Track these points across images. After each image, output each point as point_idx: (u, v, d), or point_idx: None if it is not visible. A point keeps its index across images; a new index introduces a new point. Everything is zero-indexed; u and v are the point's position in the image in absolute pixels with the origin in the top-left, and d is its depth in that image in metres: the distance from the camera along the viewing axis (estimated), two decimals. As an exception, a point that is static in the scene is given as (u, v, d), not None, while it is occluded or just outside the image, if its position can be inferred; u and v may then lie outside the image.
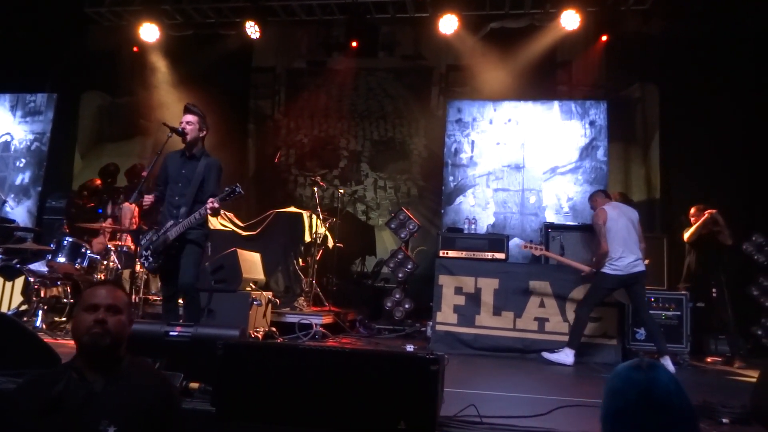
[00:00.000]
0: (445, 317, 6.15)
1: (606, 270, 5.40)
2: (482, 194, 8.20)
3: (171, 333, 3.33)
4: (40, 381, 2.01)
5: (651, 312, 5.79)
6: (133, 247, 6.33)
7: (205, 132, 4.66)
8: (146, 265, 4.72)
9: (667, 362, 5.15)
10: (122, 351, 2.12)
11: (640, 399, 1.42)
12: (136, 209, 6.24)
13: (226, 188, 4.41)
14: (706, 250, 6.37)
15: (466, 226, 7.19)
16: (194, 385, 3.06)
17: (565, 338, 5.65)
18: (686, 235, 6.49)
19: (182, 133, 4.60)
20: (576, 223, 7.10)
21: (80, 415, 1.93)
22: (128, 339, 2.14)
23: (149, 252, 4.54)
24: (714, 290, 6.18)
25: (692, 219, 6.47)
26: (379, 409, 2.61)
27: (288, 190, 10.30)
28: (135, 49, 9.93)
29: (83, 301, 2.11)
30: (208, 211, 4.36)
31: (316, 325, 6.28)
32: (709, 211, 6.27)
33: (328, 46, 10.23)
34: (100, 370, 2.03)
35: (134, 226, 6.53)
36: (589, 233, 6.21)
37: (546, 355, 5.51)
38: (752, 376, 4.72)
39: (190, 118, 4.60)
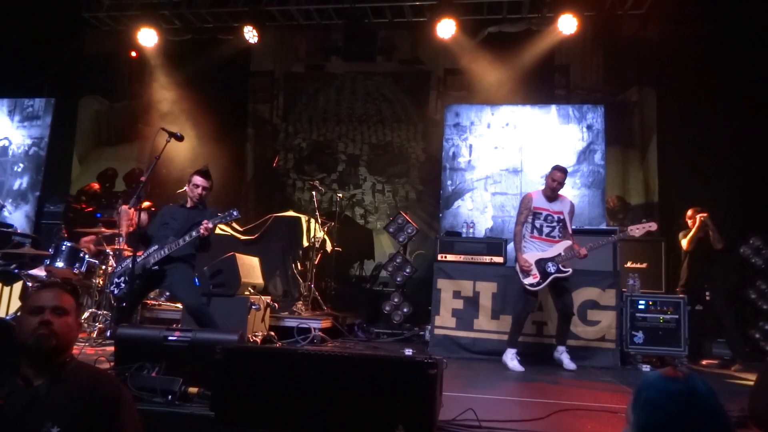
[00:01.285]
0: (444, 321, 6.14)
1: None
2: (480, 198, 8.21)
3: (170, 338, 3.34)
4: None
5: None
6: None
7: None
8: (116, 292, 4.58)
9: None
10: (68, 355, 2.07)
11: (681, 411, 1.37)
12: (134, 213, 6.24)
13: (219, 213, 4.35)
14: (698, 253, 6.39)
15: (464, 230, 7.17)
16: (193, 389, 3.07)
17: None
18: (684, 243, 6.50)
19: (181, 138, 4.58)
20: (574, 227, 7.08)
21: (23, 419, 1.90)
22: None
23: (122, 279, 4.43)
24: (707, 294, 6.19)
25: (689, 221, 6.48)
26: (377, 414, 2.61)
27: (286, 195, 10.30)
28: (133, 53, 9.95)
29: (27, 305, 2.06)
30: (202, 232, 4.23)
31: (314, 329, 6.28)
32: (700, 216, 6.30)
33: (327, 51, 10.26)
34: (45, 374, 1.99)
35: (132, 229, 6.53)
36: (584, 235, 6.19)
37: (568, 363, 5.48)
38: (750, 379, 4.72)
39: (204, 183, 4.60)
